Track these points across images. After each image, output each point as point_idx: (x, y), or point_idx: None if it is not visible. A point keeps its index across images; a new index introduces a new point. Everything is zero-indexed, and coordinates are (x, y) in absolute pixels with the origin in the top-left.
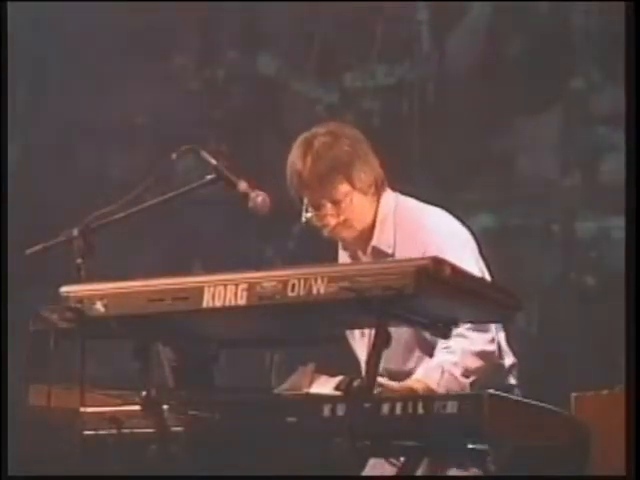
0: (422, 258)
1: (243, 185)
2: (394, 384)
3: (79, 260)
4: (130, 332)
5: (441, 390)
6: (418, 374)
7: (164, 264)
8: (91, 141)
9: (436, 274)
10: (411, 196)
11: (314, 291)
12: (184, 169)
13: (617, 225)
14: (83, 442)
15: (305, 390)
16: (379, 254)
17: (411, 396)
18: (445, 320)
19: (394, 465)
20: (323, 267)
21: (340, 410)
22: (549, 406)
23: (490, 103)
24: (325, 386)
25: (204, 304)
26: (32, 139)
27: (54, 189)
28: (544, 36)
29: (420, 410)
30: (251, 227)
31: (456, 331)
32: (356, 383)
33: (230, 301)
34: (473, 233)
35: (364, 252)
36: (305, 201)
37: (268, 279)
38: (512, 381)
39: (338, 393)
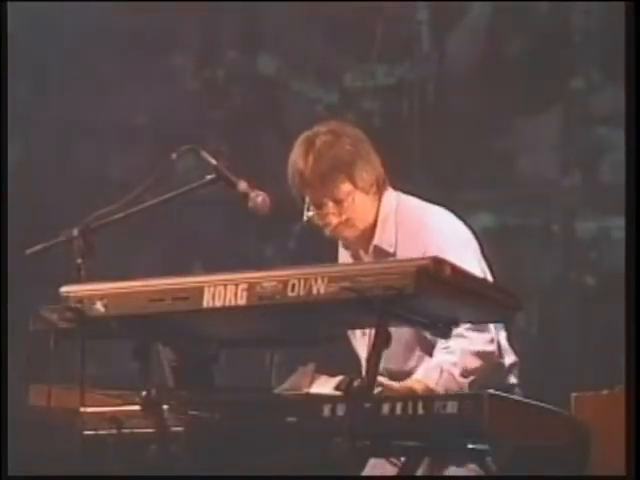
0: (422, 258)
1: (243, 185)
2: (394, 384)
3: (79, 260)
4: (130, 332)
5: (440, 390)
6: (418, 374)
7: (164, 264)
8: (91, 141)
9: (436, 274)
10: (412, 195)
11: (314, 291)
12: (184, 169)
13: (617, 225)
14: (83, 442)
15: (305, 390)
16: (381, 253)
17: (411, 396)
18: (445, 320)
19: (394, 465)
20: (323, 267)
21: (340, 410)
22: (549, 406)
23: (490, 103)
24: (325, 386)
25: (204, 304)
26: (32, 139)
27: (54, 189)
28: (544, 36)
29: (420, 410)
30: (251, 227)
31: (456, 331)
32: (356, 383)
33: (230, 301)
34: (475, 232)
35: (366, 251)
36: (307, 200)
37: (268, 279)
38: (513, 380)
39: (338, 393)
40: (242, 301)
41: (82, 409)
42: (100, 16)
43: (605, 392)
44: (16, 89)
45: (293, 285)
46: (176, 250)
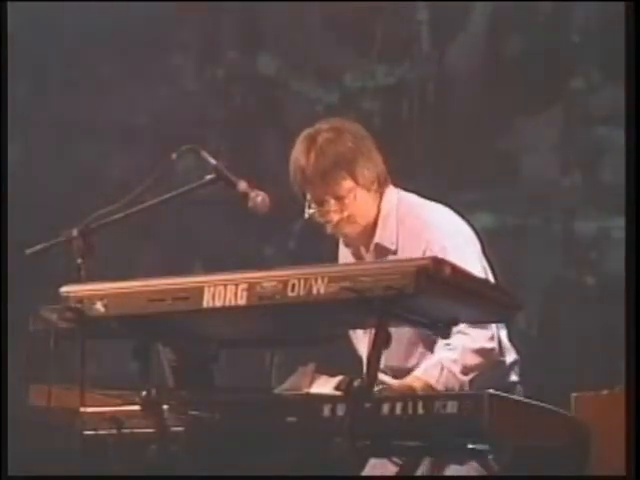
0: (422, 258)
1: (243, 185)
2: (394, 382)
3: (79, 260)
4: (130, 332)
5: (440, 387)
6: (418, 371)
7: (164, 264)
8: (91, 141)
9: (436, 274)
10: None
11: (314, 291)
12: (184, 169)
13: (617, 225)
14: (83, 442)
15: (305, 390)
16: (382, 251)
17: (411, 396)
18: (445, 320)
19: (394, 465)
20: (323, 267)
21: (340, 410)
22: (549, 406)
23: (490, 103)
24: (325, 386)
25: (204, 304)
26: (32, 139)
27: (54, 189)
28: (544, 36)
29: (420, 410)
30: (251, 227)
31: (457, 328)
32: (356, 383)
33: (230, 301)
34: (476, 230)
35: (367, 249)
36: (308, 197)
37: (268, 279)
38: (514, 378)
39: (338, 393)
40: (242, 301)
41: (82, 409)
42: (100, 16)
43: (605, 392)
44: (16, 89)
45: (293, 285)
46: (176, 250)
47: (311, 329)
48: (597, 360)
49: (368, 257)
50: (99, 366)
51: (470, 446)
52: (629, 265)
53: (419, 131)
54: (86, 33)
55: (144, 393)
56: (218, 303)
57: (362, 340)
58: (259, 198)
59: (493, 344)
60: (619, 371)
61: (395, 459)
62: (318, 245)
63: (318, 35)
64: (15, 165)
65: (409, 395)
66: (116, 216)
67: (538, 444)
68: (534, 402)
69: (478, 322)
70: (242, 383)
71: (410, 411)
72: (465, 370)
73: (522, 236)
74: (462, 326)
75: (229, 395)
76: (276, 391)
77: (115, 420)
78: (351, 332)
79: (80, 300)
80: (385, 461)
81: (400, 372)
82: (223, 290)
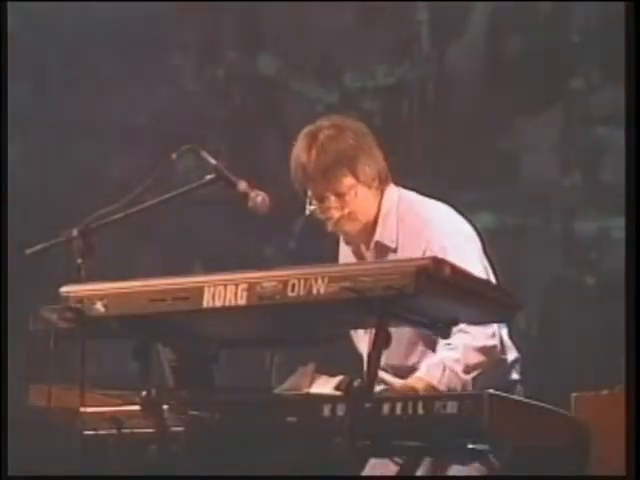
0: (422, 258)
1: (243, 185)
2: (396, 382)
3: (79, 260)
4: (130, 332)
5: (443, 387)
6: (420, 372)
7: (164, 264)
8: (91, 141)
9: (436, 274)
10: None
11: (314, 291)
12: (184, 169)
13: (617, 225)
14: (83, 442)
15: (305, 390)
16: (382, 249)
17: (411, 396)
18: (445, 320)
19: (395, 465)
20: (323, 267)
21: (340, 410)
22: (549, 406)
23: (490, 103)
24: (325, 386)
25: (204, 304)
26: (32, 139)
27: (54, 189)
28: (544, 36)
29: (420, 410)
30: (251, 227)
31: (458, 326)
32: (356, 383)
33: (230, 301)
34: (477, 229)
35: (367, 247)
36: (309, 194)
37: (268, 279)
38: (515, 376)
39: (338, 393)
40: (242, 301)
41: (82, 409)
42: (100, 16)
43: (605, 392)
44: (16, 89)
45: (293, 285)
46: (176, 250)
47: (311, 329)
48: (597, 360)
49: (368, 255)
50: (99, 366)
51: (470, 446)
52: (629, 265)
53: (419, 131)
54: (86, 33)
55: (144, 393)
56: (218, 303)
57: (363, 339)
58: (259, 198)
59: (495, 342)
60: (619, 371)
61: (395, 459)
62: (318, 245)
63: (318, 35)
64: (15, 165)
65: (409, 395)
66: (116, 216)
67: (538, 444)
68: (534, 402)
69: (478, 322)
70: (242, 383)
71: (410, 411)
72: (467, 369)
73: (522, 236)
74: (463, 324)
75: (229, 395)
76: (276, 391)
77: (115, 420)
78: (352, 332)
79: (80, 300)
80: (385, 461)
81: (401, 370)
82: (223, 290)
